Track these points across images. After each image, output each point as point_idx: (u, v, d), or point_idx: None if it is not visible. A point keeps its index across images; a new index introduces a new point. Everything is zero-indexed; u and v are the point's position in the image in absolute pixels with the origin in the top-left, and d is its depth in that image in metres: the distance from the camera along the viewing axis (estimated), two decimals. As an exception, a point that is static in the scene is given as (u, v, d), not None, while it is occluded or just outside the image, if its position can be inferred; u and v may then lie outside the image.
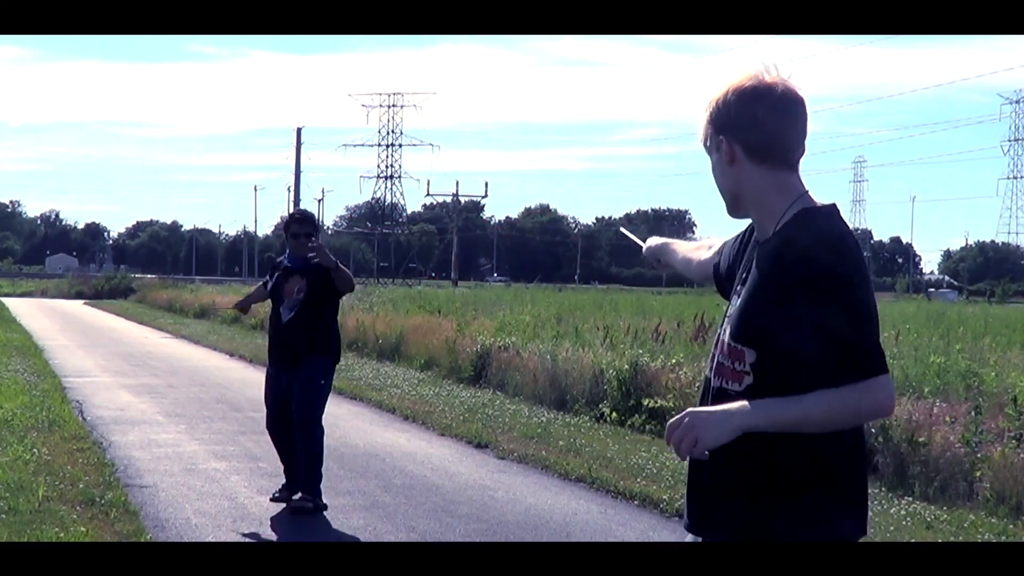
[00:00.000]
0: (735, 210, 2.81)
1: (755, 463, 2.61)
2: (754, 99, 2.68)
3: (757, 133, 2.68)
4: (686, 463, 2.77)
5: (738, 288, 2.76)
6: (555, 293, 41.24)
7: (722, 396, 2.66)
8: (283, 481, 8.23)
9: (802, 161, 2.76)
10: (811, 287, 2.52)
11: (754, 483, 2.62)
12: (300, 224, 8.25)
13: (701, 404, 2.74)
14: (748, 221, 2.89)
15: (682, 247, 3.41)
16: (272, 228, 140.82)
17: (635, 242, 3.65)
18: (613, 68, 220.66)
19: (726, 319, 2.77)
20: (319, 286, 8.05)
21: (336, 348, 8.27)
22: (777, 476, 2.61)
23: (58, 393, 13.97)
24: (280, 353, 8.22)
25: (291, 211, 9.43)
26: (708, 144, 2.79)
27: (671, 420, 2.58)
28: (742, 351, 2.63)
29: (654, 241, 3.51)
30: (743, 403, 2.55)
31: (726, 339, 2.70)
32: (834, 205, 2.71)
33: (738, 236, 2.99)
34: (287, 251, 8.34)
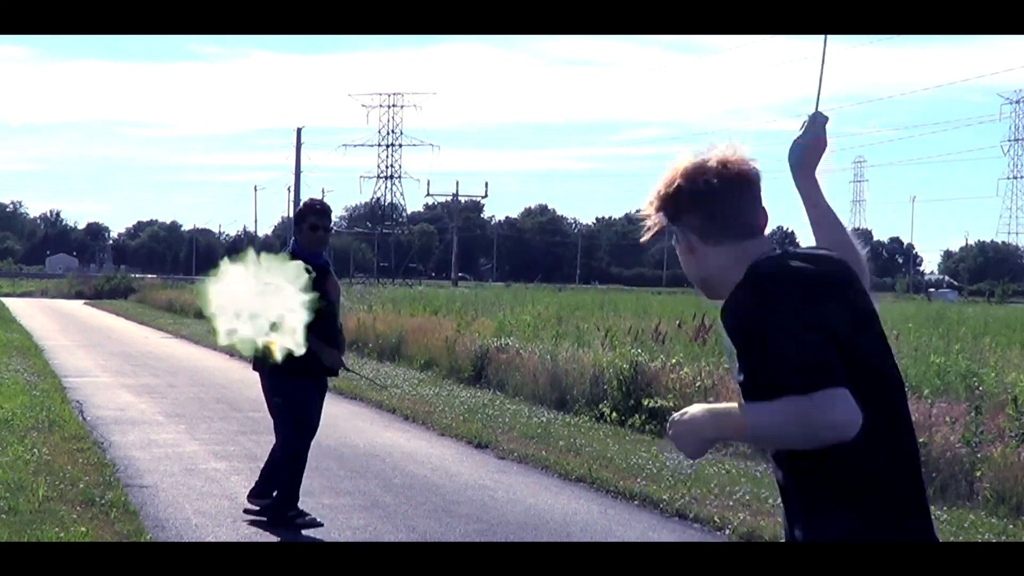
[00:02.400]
0: (710, 294, 2.72)
1: (818, 472, 2.50)
2: (692, 183, 2.61)
3: (703, 218, 2.62)
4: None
5: None
6: (555, 293, 41.28)
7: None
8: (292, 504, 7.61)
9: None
10: (740, 334, 2.49)
11: (823, 493, 2.53)
12: (320, 217, 7.57)
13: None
14: None
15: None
16: (272, 228, 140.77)
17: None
18: (614, 68, 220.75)
19: None
20: None
21: None
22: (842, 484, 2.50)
23: (58, 393, 13.97)
24: (325, 367, 7.49)
25: (310, 199, 8.15)
26: (661, 231, 2.72)
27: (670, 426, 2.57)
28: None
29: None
30: (707, 411, 2.50)
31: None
32: (782, 253, 2.62)
33: None
34: (294, 243, 7.61)
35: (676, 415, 2.55)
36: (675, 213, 2.65)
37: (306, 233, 7.50)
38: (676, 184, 2.64)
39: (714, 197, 2.60)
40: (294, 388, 7.34)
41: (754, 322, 2.44)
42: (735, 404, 2.50)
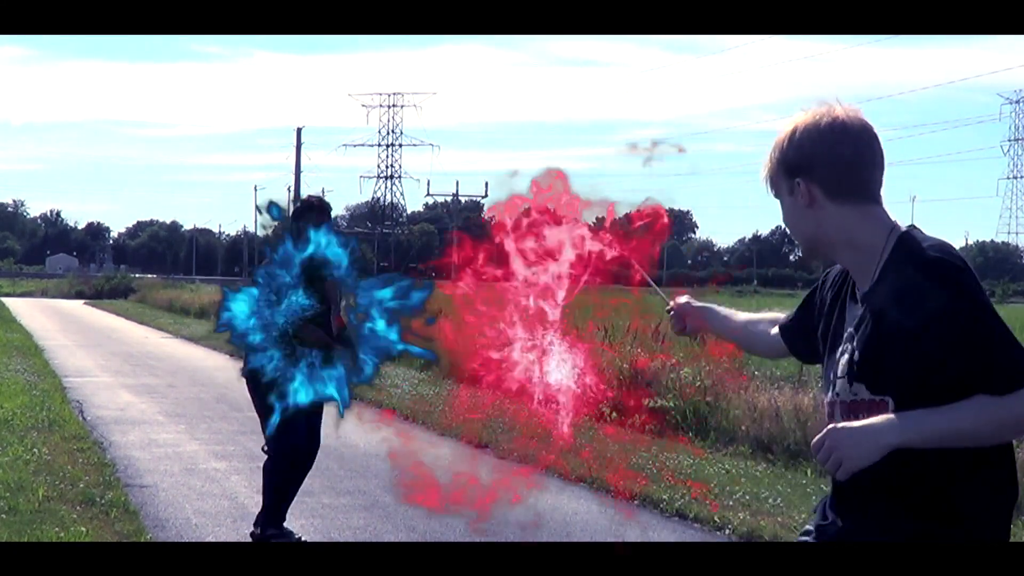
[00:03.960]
0: (813, 254, 2.69)
1: (905, 471, 2.47)
2: (830, 136, 2.55)
3: (837, 171, 2.55)
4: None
5: (847, 343, 2.59)
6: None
7: None
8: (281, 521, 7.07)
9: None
10: (945, 315, 2.40)
11: (909, 492, 2.50)
12: (321, 214, 6.80)
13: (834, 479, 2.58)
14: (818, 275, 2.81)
15: (736, 315, 3.18)
16: (272, 228, 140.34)
17: (662, 298, 3.38)
18: (614, 68, 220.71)
19: (835, 377, 2.61)
20: None
21: None
22: (928, 484, 2.48)
23: (58, 393, 13.97)
24: None
25: (308, 196, 7.33)
26: (776, 188, 2.65)
27: (815, 439, 2.48)
28: (882, 401, 2.48)
29: (692, 302, 3.24)
30: (889, 417, 2.44)
31: (848, 398, 2.55)
32: (916, 227, 2.62)
33: (818, 288, 2.83)
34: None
35: (836, 425, 2.47)
36: (802, 164, 2.58)
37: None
38: (810, 133, 2.57)
39: (849, 152, 2.56)
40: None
41: (962, 313, 2.40)
42: (903, 413, 2.42)
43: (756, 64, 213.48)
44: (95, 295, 55.65)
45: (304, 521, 7.64)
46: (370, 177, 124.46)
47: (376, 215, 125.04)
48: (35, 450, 9.51)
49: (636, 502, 8.62)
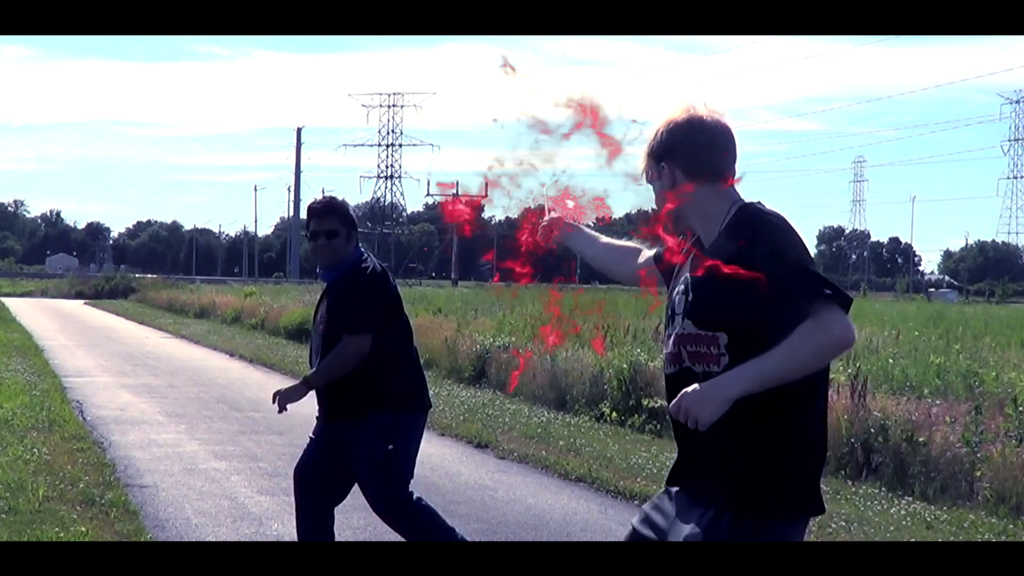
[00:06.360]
0: (676, 226, 3.16)
1: (743, 440, 2.87)
2: (687, 127, 3.07)
3: (691, 156, 3.06)
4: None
5: (683, 287, 3.06)
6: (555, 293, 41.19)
7: (707, 379, 2.91)
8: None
9: (738, 174, 3.13)
10: (764, 256, 2.82)
11: (744, 457, 2.87)
12: (320, 219, 5.68)
13: (671, 398, 2.99)
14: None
15: (600, 238, 3.75)
16: (272, 228, 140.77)
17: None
18: (616, 68, 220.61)
19: (673, 313, 3.09)
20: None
21: (399, 395, 5.67)
22: (763, 452, 2.85)
23: (58, 393, 13.97)
24: (322, 408, 5.79)
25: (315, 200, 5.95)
26: (649, 175, 3.16)
27: (671, 404, 2.89)
28: (715, 336, 2.92)
29: (567, 221, 3.80)
30: (724, 375, 2.84)
31: (692, 331, 2.98)
32: (760, 203, 3.10)
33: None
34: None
35: (687, 390, 2.86)
36: (666, 151, 3.10)
37: (310, 244, 5.83)
38: (671, 127, 3.10)
39: (703, 140, 3.07)
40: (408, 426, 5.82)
41: (789, 249, 2.87)
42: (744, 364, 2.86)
43: (758, 64, 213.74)
44: (95, 295, 55.61)
45: (304, 521, 7.65)
46: (370, 177, 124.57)
47: (376, 215, 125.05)
48: (35, 450, 9.51)
49: (636, 502, 8.62)
